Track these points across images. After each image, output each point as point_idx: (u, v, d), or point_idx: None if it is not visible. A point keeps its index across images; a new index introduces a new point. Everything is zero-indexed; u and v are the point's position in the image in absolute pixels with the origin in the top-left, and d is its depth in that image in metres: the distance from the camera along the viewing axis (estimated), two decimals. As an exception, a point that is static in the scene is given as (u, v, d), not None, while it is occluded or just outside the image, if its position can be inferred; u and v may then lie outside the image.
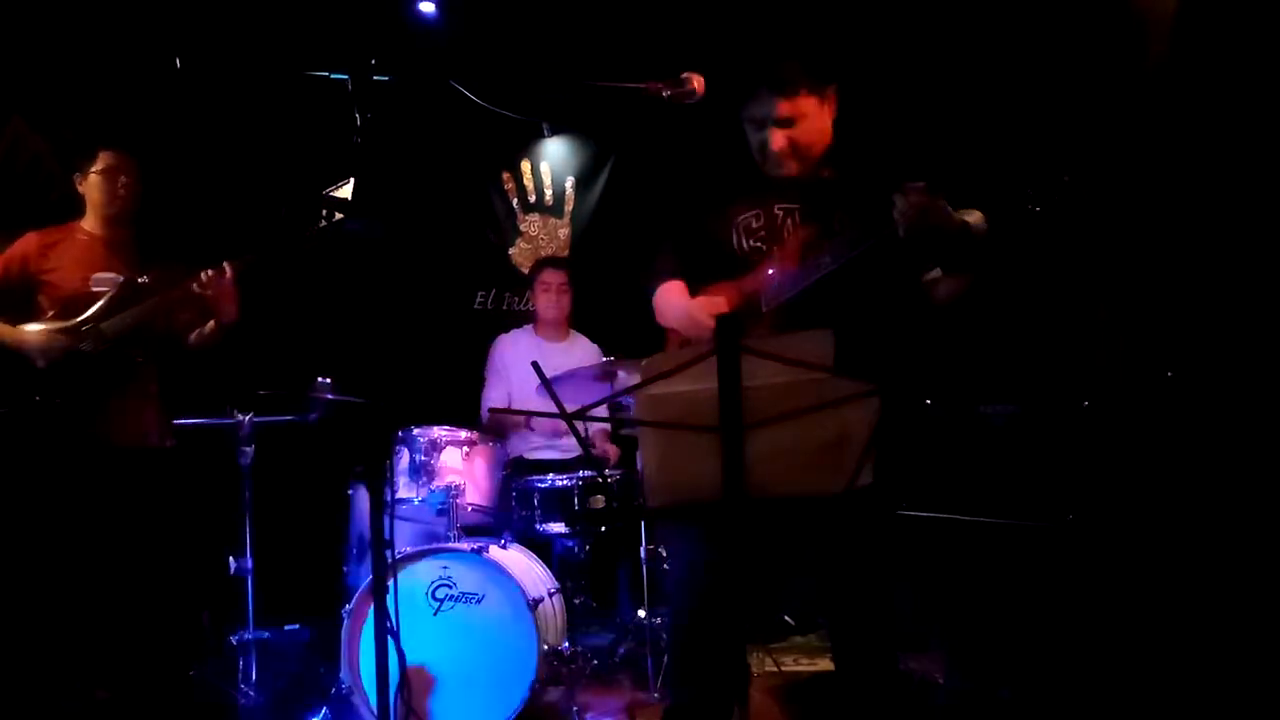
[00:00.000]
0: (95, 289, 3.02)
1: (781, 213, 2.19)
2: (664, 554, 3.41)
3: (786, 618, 4.25)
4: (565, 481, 3.50)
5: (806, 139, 2.15)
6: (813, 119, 2.15)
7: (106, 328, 2.98)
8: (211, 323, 3.10)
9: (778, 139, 2.14)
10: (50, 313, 3.01)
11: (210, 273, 2.94)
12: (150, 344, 3.11)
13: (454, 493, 3.27)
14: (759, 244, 2.20)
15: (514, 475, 3.62)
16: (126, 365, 3.03)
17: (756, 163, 2.22)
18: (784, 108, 2.11)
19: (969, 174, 1.96)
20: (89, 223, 3.15)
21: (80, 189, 3.14)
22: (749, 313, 2.13)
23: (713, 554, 2.12)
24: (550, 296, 4.17)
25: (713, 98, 2.14)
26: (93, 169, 3.11)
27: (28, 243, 3.08)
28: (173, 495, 3.15)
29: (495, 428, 3.99)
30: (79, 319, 2.98)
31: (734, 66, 2.18)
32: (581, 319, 4.43)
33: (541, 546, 3.69)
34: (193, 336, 3.17)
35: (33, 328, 2.97)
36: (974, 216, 2.04)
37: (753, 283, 2.18)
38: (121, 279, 3.04)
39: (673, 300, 2.25)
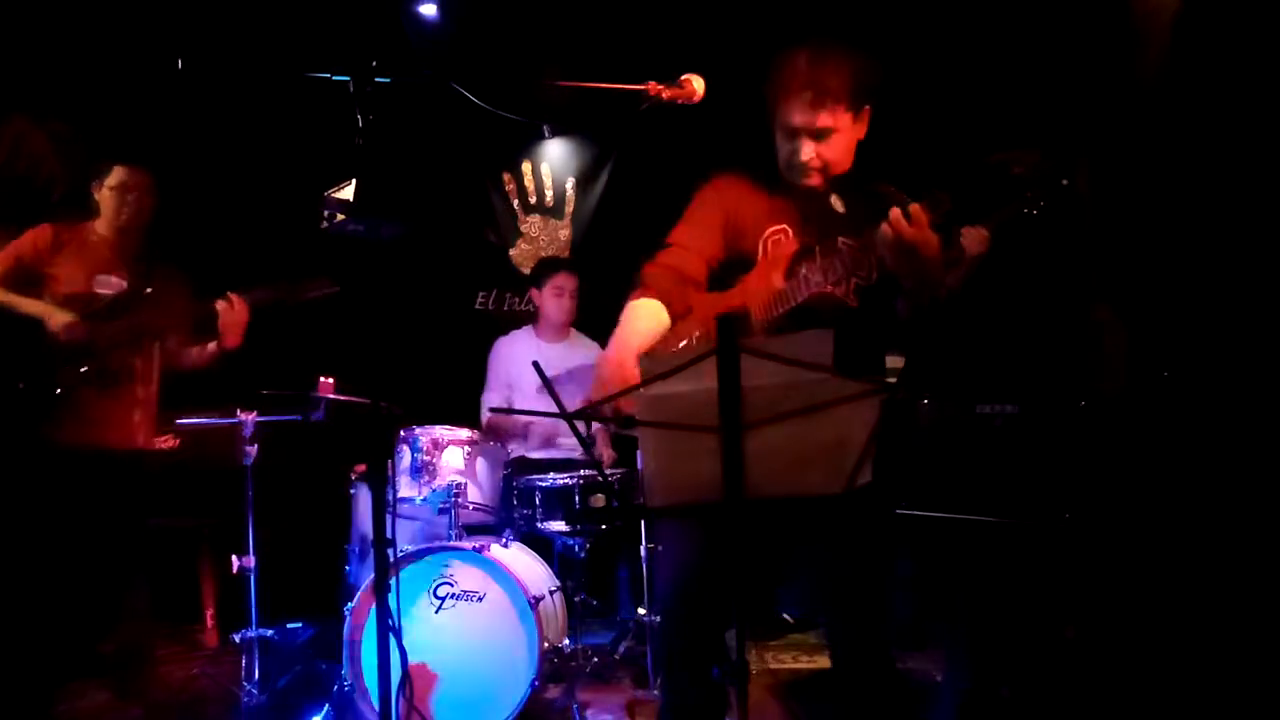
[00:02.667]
0: (99, 290, 3.07)
1: (804, 231, 2.19)
2: (661, 553, 3.42)
3: (785, 615, 4.27)
4: (566, 480, 3.51)
5: (834, 155, 2.14)
6: (844, 135, 2.13)
7: (100, 332, 3.01)
8: (213, 345, 3.15)
9: (808, 150, 2.11)
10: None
11: (223, 304, 3.02)
12: (143, 353, 3.14)
13: (455, 492, 3.28)
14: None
15: (515, 474, 3.63)
16: (111, 370, 3.05)
17: (779, 169, 2.20)
18: (824, 119, 2.08)
19: (969, 178, 1.97)
20: (102, 226, 3.19)
21: (96, 197, 3.20)
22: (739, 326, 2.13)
23: (705, 550, 2.14)
24: (563, 302, 4.13)
25: (729, 103, 2.12)
26: (106, 183, 3.17)
27: (42, 234, 3.11)
28: (160, 495, 3.17)
29: (496, 429, 4.00)
30: (81, 315, 3.00)
31: (774, 68, 2.14)
32: (582, 319, 4.44)
33: (542, 545, 3.70)
34: (194, 352, 3.22)
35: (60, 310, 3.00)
36: (954, 275, 2.04)
37: (740, 296, 2.19)
38: (125, 285, 3.08)
39: (626, 328, 2.23)
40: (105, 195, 3.18)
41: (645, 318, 2.22)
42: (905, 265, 1.95)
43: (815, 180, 2.17)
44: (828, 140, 2.11)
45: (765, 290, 2.14)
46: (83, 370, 2.97)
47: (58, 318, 2.97)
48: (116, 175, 3.17)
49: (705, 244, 2.24)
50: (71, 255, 3.10)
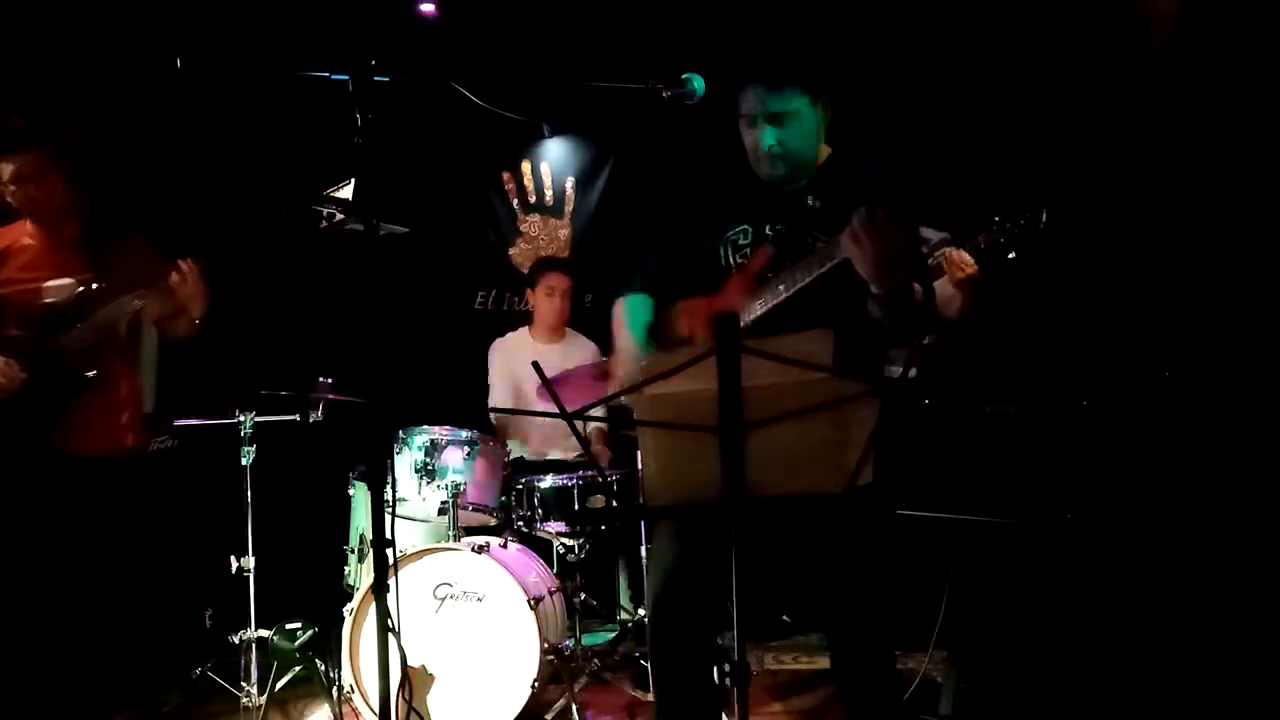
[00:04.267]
0: (47, 300, 2.88)
1: (771, 232, 2.19)
2: (650, 553, 3.42)
3: (784, 616, 4.26)
4: (565, 481, 3.51)
5: (797, 141, 2.13)
6: (804, 121, 2.12)
7: (67, 341, 2.86)
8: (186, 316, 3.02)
9: (769, 136, 2.11)
10: (5, 327, 2.87)
11: (176, 276, 2.85)
12: (120, 347, 2.99)
13: (455, 492, 3.28)
14: (744, 261, 2.20)
15: (515, 474, 3.63)
16: (86, 375, 2.91)
17: (750, 166, 2.19)
18: (778, 101, 2.09)
19: (959, 193, 1.96)
20: (29, 227, 2.98)
21: (9, 199, 2.94)
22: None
23: (691, 551, 2.13)
24: (555, 302, 4.14)
25: (713, 102, 2.14)
26: (3, 179, 2.91)
27: None
28: (156, 497, 3.13)
29: (501, 428, 4.00)
30: (33, 334, 2.86)
31: (731, 65, 2.17)
32: (582, 319, 4.43)
33: (542, 546, 3.70)
34: (181, 321, 3.06)
35: None
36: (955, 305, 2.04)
37: (720, 302, 2.18)
38: (76, 286, 2.90)
39: (619, 325, 2.30)
40: (13, 190, 2.91)
41: (639, 311, 2.29)
42: (870, 270, 1.93)
43: (782, 169, 2.15)
44: (787, 125, 2.11)
45: (741, 297, 2.15)
46: (51, 394, 2.86)
47: None
48: (5, 170, 2.89)
49: (668, 260, 2.33)
50: (10, 267, 2.93)
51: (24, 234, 2.99)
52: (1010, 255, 1.90)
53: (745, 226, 2.20)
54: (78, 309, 2.88)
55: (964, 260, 2.09)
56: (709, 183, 2.30)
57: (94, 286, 2.89)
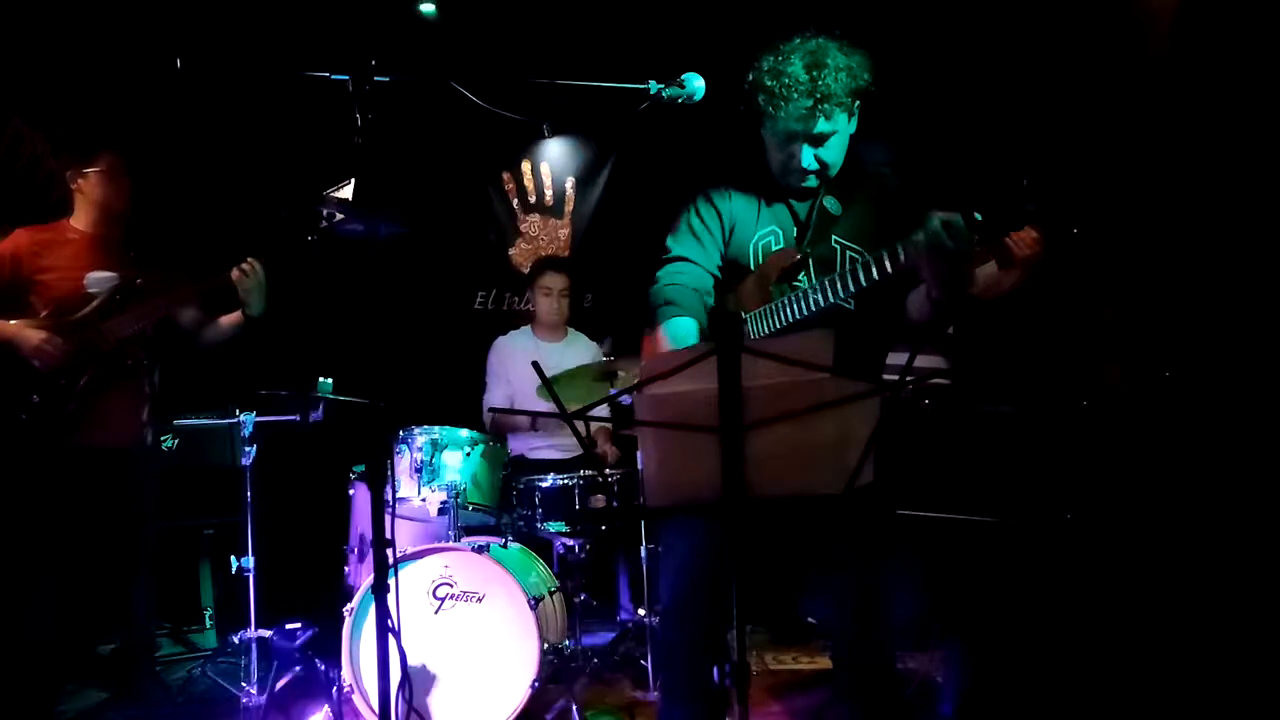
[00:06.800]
0: (90, 289, 3.02)
1: (783, 229, 2.19)
2: (663, 552, 3.42)
3: (809, 619, 4.18)
4: (566, 481, 3.51)
5: (833, 157, 2.12)
6: (842, 136, 2.12)
7: (108, 329, 2.98)
8: (237, 314, 3.15)
9: (808, 156, 2.10)
10: (44, 312, 2.98)
11: (237, 274, 3.02)
12: (148, 345, 3.12)
13: (455, 492, 3.28)
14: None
15: (515, 475, 3.63)
16: (121, 366, 3.03)
17: (772, 173, 2.18)
18: (823, 125, 2.06)
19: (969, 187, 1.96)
20: (80, 221, 3.13)
21: (76, 186, 3.11)
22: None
23: (704, 551, 2.13)
24: (551, 301, 4.16)
25: (718, 103, 2.12)
26: (95, 169, 3.12)
27: (17, 241, 3.05)
28: (164, 492, 3.16)
29: (496, 428, 4.00)
30: (75, 318, 2.97)
31: (764, 71, 2.10)
32: (582, 319, 4.42)
33: (542, 546, 3.70)
34: (220, 324, 3.21)
35: (31, 328, 2.93)
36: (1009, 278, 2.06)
37: (734, 304, 2.19)
38: (118, 279, 3.04)
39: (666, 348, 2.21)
40: (92, 181, 3.12)
41: (689, 337, 2.19)
42: (943, 275, 1.94)
43: (813, 183, 2.16)
44: (827, 144, 2.10)
45: (761, 302, 2.15)
46: (87, 378, 2.94)
47: (29, 338, 2.89)
48: (105, 160, 3.13)
49: (709, 259, 2.24)
50: (56, 257, 3.05)
51: (70, 230, 3.13)
52: (1075, 230, 1.90)
53: (775, 229, 2.19)
54: (119, 302, 3.02)
55: (1033, 239, 2.06)
56: (729, 186, 2.27)
57: (137, 282, 3.05)
